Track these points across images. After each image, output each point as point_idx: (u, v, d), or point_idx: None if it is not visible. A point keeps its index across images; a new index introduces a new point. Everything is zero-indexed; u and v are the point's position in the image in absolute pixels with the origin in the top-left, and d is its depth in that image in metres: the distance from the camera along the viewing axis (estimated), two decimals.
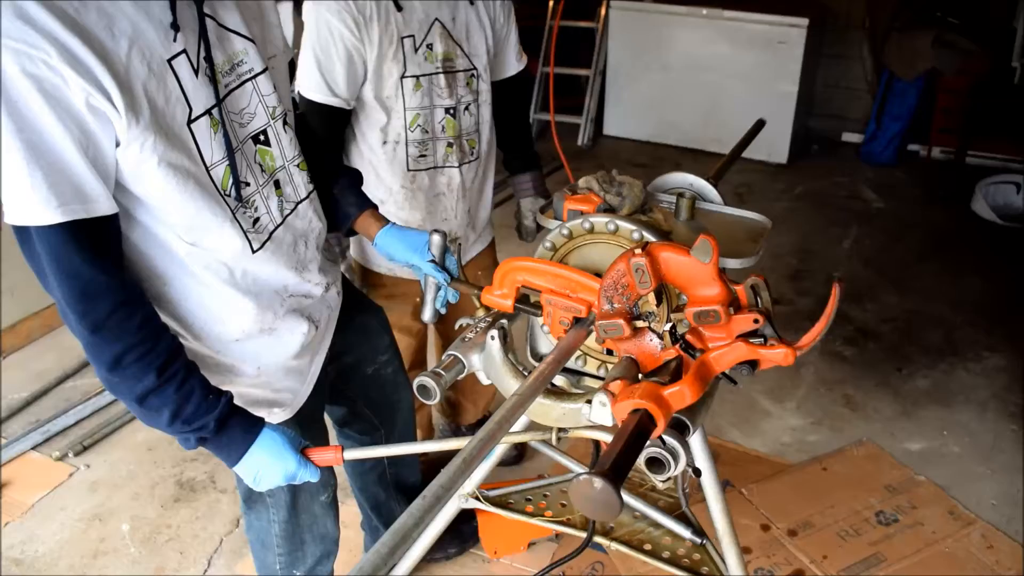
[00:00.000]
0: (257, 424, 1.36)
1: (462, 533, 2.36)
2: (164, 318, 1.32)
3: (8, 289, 3.28)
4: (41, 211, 1.11)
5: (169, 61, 1.20)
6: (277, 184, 1.43)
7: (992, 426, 2.98)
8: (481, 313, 1.49)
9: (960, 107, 4.99)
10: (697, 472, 1.44)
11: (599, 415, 1.16)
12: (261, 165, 1.39)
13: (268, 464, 1.36)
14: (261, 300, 1.42)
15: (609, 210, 1.48)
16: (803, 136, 5.57)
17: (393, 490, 2.12)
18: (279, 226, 1.43)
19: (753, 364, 1.13)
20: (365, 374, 1.86)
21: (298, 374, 1.57)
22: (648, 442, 1.05)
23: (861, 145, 5.48)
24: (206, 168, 1.27)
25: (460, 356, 1.38)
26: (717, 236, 1.13)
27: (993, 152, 5.05)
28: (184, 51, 1.23)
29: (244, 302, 1.40)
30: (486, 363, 1.39)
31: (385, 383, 1.90)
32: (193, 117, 1.24)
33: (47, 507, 2.63)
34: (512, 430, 1.36)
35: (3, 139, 1.08)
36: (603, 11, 5.54)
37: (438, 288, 1.53)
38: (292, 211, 1.46)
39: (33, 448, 2.86)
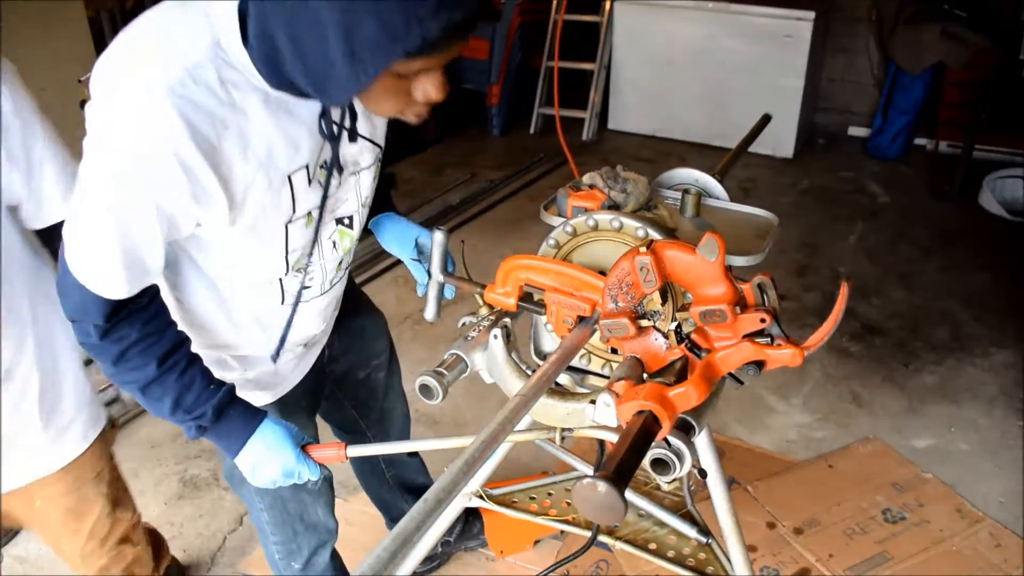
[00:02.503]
0: (258, 416, 1.36)
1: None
2: (177, 319, 1.35)
3: None
4: (101, 287, 1.16)
5: (289, 175, 1.20)
6: (341, 262, 1.44)
7: (1000, 423, 2.96)
8: (484, 311, 1.47)
9: (967, 101, 4.95)
10: (703, 474, 1.43)
11: (603, 415, 1.14)
12: (335, 243, 1.39)
13: (266, 456, 1.35)
14: (275, 339, 1.44)
15: (614, 207, 1.47)
16: (809, 130, 5.54)
17: (398, 490, 2.12)
18: (324, 294, 1.45)
19: (760, 364, 1.11)
20: (357, 377, 1.85)
21: (287, 370, 1.57)
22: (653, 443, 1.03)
23: (867, 139, 5.45)
24: (286, 253, 1.28)
25: (462, 355, 1.36)
26: (723, 233, 1.12)
27: (1000, 146, 5.01)
28: (306, 165, 1.22)
29: (258, 336, 1.43)
30: (489, 362, 1.38)
31: (376, 388, 1.89)
32: (293, 220, 1.25)
33: None
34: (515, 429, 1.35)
35: (99, 217, 1.11)
36: (607, 5, 5.51)
37: (441, 286, 1.51)
38: (340, 279, 1.49)
39: None
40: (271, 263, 1.29)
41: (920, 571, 2.32)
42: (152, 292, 1.25)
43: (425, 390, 1.30)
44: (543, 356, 1.57)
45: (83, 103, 3.70)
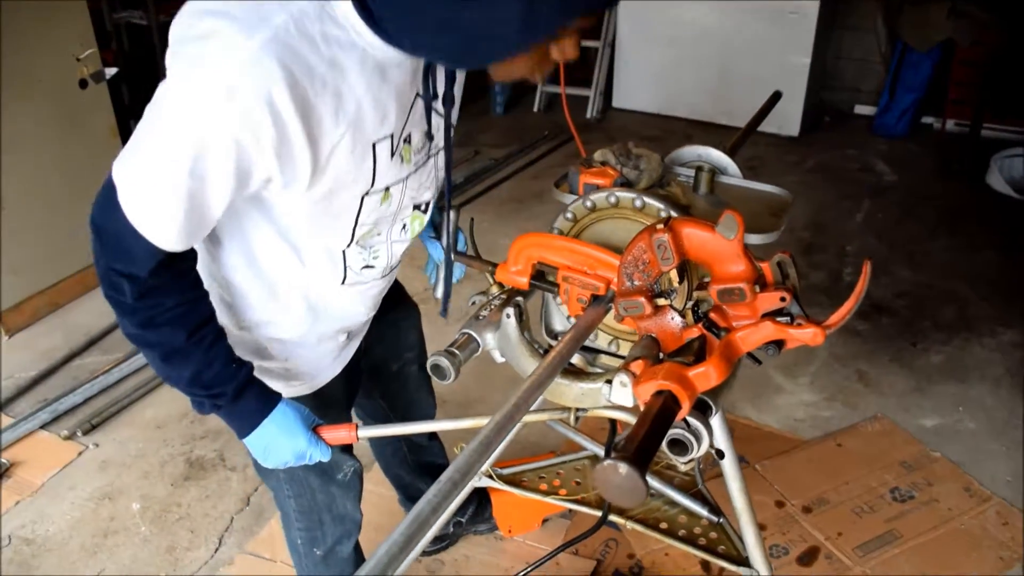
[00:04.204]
0: (273, 398, 1.33)
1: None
2: (213, 295, 1.31)
3: (12, 268, 3.26)
4: (158, 236, 1.08)
5: (374, 144, 1.16)
6: (407, 248, 1.42)
7: (1007, 402, 2.95)
8: (494, 290, 1.46)
9: (975, 79, 4.91)
10: (720, 455, 1.41)
11: (619, 396, 1.13)
12: (405, 225, 1.37)
13: (278, 439, 1.34)
14: (317, 324, 1.41)
15: (626, 184, 1.45)
16: (815, 108, 5.49)
17: (417, 472, 2.11)
18: (384, 277, 1.43)
19: (779, 343, 1.10)
20: (389, 369, 1.84)
21: (327, 363, 1.54)
22: None
23: (874, 117, 5.40)
24: (354, 227, 1.25)
25: (474, 334, 1.35)
26: (737, 211, 1.10)
27: (1008, 125, 4.97)
28: (391, 135, 1.18)
29: (305, 317, 1.39)
30: (501, 342, 1.36)
31: (408, 380, 1.88)
32: (370, 193, 1.21)
33: (56, 486, 2.62)
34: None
35: (170, 165, 1.03)
36: None
37: (451, 265, 1.49)
38: (399, 264, 1.47)
39: (41, 427, 2.84)
40: (336, 233, 1.25)
41: (929, 550, 2.31)
42: (193, 258, 1.21)
43: (437, 370, 1.28)
44: (554, 335, 1.55)
45: (81, 82, 3.65)
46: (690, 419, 1.03)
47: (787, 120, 5.15)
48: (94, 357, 3.21)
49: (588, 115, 5.64)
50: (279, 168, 1.07)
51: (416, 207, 1.35)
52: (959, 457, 2.67)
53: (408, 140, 1.22)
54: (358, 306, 1.45)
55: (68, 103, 3.35)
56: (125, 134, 3.67)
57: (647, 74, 5.60)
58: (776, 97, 2.26)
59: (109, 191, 1.09)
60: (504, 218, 4.24)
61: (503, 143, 5.25)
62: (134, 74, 4.05)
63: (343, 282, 1.36)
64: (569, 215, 1.40)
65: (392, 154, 1.19)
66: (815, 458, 2.65)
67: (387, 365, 1.83)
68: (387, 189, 1.23)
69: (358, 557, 1.87)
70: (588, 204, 1.37)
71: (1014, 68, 4.76)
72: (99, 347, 3.27)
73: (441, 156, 1.34)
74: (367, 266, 1.36)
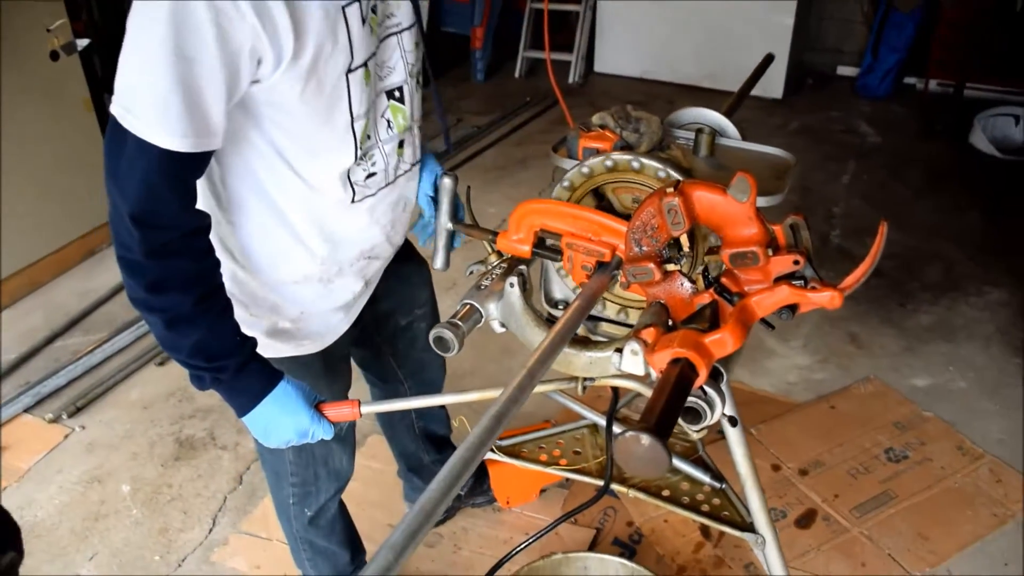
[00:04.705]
0: (276, 376, 1.31)
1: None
2: (226, 246, 1.32)
3: None
4: (162, 133, 1.06)
5: (344, 8, 1.14)
6: (401, 144, 1.39)
7: (997, 361, 2.96)
8: (493, 259, 1.42)
9: (959, 39, 4.88)
10: (733, 421, 1.40)
11: (630, 364, 1.10)
12: (389, 122, 1.34)
13: (280, 418, 1.31)
14: (336, 252, 1.40)
15: (626, 147, 1.41)
16: (798, 70, 5.45)
17: (422, 440, 2.10)
18: (389, 184, 1.40)
19: (793, 308, 1.07)
20: (398, 324, 1.81)
21: (338, 316, 1.53)
22: None
23: (856, 79, 5.38)
24: (351, 118, 1.23)
25: (477, 305, 1.31)
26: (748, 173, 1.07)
27: (991, 84, 4.96)
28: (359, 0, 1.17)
29: (319, 247, 1.37)
30: (504, 312, 1.33)
31: (417, 338, 1.85)
32: (353, 68, 1.19)
33: (43, 470, 2.57)
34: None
35: (155, 50, 1.02)
36: None
37: (451, 234, 1.45)
38: (405, 172, 1.43)
39: (25, 411, 2.78)
40: (336, 138, 1.24)
41: (924, 509, 2.32)
42: (205, 221, 1.20)
43: (440, 342, 1.25)
44: (554, 303, 1.52)
45: (52, 53, 3.54)
46: (705, 387, 1.01)
47: (770, 82, 5.11)
48: (76, 338, 3.15)
49: (570, 80, 5.57)
50: (262, 28, 1.05)
51: (391, 96, 1.33)
52: (951, 416, 2.68)
53: (375, 10, 1.23)
54: (372, 227, 1.42)
55: (39, 76, 3.25)
56: (100, 107, 3.56)
57: (629, 38, 5.53)
58: (769, 59, 2.23)
59: (112, 128, 1.09)
60: (489, 185, 4.18)
61: (485, 110, 5.18)
62: (106, 45, 3.94)
63: (353, 200, 1.35)
64: (566, 183, 1.36)
65: (363, 21, 1.19)
66: (809, 421, 2.66)
67: (395, 319, 1.80)
68: (366, 66, 1.22)
69: (344, 520, 1.91)
70: (585, 171, 1.34)
71: (997, 27, 4.74)
72: (81, 327, 3.20)
73: (406, 36, 1.33)
74: (370, 174, 1.35)
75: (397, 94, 1.34)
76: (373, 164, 1.34)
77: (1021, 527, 2.28)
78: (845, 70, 5.59)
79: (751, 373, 2.88)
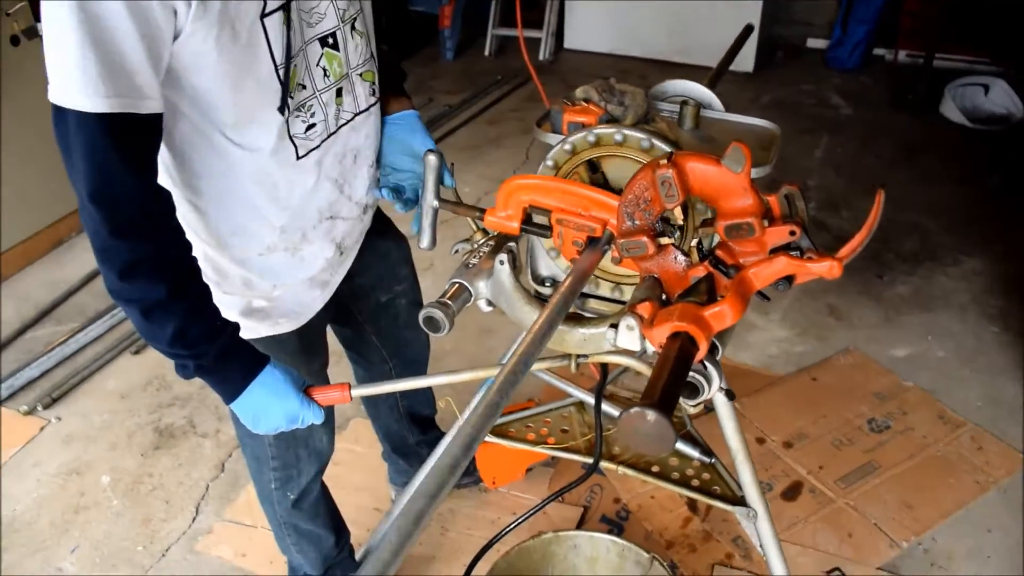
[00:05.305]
0: (261, 361, 1.29)
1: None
2: (191, 225, 1.30)
3: None
4: (88, 97, 1.04)
5: None
6: (339, 92, 1.36)
7: (973, 328, 3.00)
8: (478, 237, 1.40)
9: (927, 9, 4.90)
10: (731, 395, 1.39)
11: (626, 339, 1.08)
12: (325, 70, 1.31)
13: (269, 403, 1.29)
14: (295, 218, 1.38)
15: (611, 121, 1.39)
16: (768, 43, 5.44)
17: (406, 420, 2.08)
18: (331, 135, 1.37)
19: (790, 279, 1.06)
20: (378, 301, 1.79)
21: (314, 292, 1.51)
22: None
23: (826, 51, 5.39)
24: (275, 66, 1.20)
25: (465, 283, 1.29)
26: (725, 145, 1.06)
27: (961, 54, 4.99)
28: None
29: (276, 215, 1.35)
30: (494, 290, 1.31)
31: (399, 315, 1.83)
32: (267, 12, 1.16)
33: (20, 464, 2.52)
34: None
35: (63, 19, 1.02)
36: None
37: (435, 211, 1.42)
38: (348, 122, 1.40)
39: None
40: (263, 87, 1.21)
41: (908, 478, 2.35)
42: (167, 202, 1.19)
43: (430, 322, 1.23)
44: (541, 280, 1.50)
45: (13, 38, 3.44)
46: (705, 361, 1.00)
47: (742, 56, 5.05)
48: (48, 328, 3.08)
49: (540, 57, 5.53)
50: None
51: (324, 43, 1.31)
52: (931, 385, 2.71)
53: None
54: (323, 182, 1.40)
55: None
56: None
57: (599, 13, 5.49)
58: (748, 30, 2.22)
59: (54, 115, 1.08)
60: (463, 165, 4.14)
61: (456, 89, 5.12)
62: None
63: (297, 156, 1.32)
64: (550, 162, 1.34)
65: None
66: (791, 393, 2.67)
67: (375, 295, 1.78)
68: (284, 10, 1.19)
69: (327, 502, 1.91)
70: (567, 148, 1.32)
71: None
72: (52, 317, 3.13)
73: None
74: (310, 126, 1.32)
75: (331, 40, 1.31)
76: (312, 115, 1.32)
77: (1003, 494, 2.31)
78: (815, 42, 5.60)
79: (732, 347, 2.88)
